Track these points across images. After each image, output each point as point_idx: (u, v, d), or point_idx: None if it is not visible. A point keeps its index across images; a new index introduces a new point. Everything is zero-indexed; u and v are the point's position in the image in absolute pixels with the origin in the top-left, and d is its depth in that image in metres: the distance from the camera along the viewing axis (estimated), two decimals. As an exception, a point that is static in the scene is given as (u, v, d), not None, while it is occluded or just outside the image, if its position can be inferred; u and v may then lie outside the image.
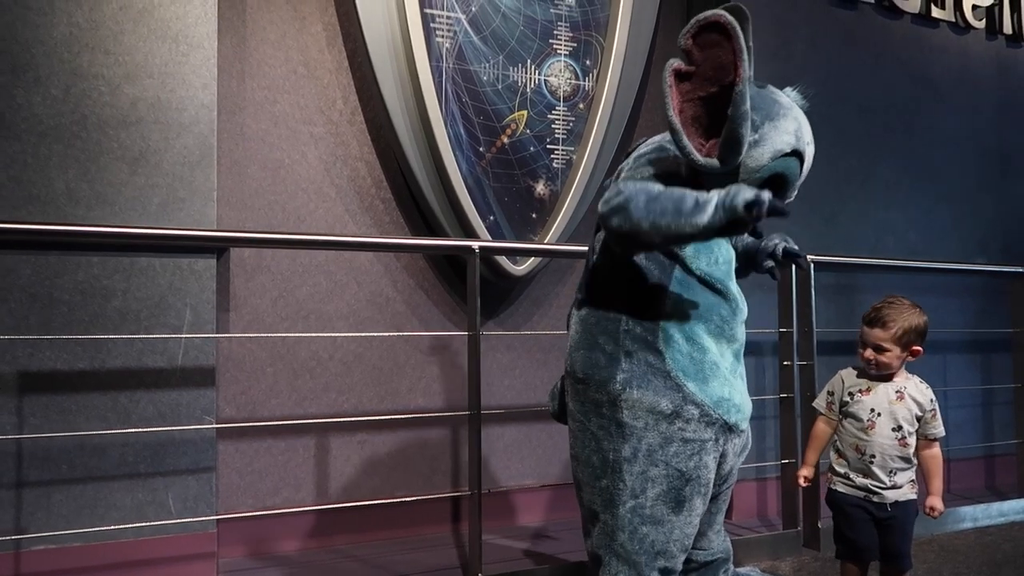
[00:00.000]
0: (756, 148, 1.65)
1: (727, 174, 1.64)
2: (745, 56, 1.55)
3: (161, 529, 2.41)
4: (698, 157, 1.62)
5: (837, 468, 2.29)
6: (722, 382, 1.71)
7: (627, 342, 1.69)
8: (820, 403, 2.37)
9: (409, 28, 2.81)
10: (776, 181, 1.70)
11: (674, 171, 1.71)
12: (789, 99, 1.77)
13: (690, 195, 1.49)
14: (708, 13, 1.57)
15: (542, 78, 3.10)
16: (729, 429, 1.72)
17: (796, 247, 1.98)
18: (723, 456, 1.76)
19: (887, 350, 2.21)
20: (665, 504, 1.67)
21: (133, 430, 2.39)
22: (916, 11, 3.87)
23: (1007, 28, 4.15)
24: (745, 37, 1.60)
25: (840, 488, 2.28)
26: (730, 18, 1.55)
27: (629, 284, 1.70)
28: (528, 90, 3.08)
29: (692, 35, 1.60)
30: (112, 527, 2.35)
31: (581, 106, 3.18)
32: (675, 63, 1.62)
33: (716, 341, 1.71)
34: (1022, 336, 3.78)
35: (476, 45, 2.99)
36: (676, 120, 1.62)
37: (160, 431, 2.43)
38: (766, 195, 1.43)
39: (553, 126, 3.13)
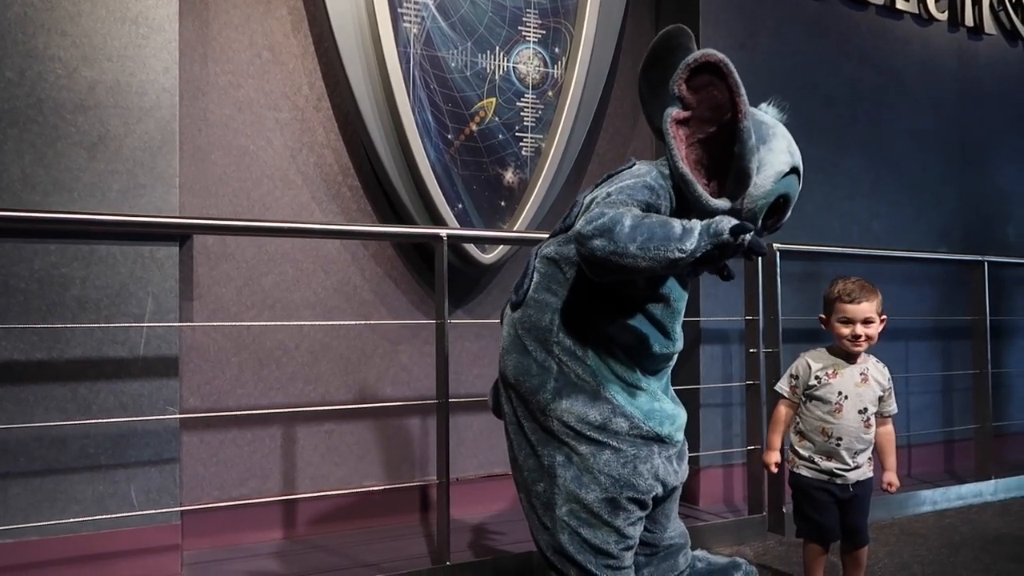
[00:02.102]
0: (758, 176, 1.66)
1: (732, 210, 1.66)
2: (743, 93, 1.54)
3: (123, 522, 2.37)
4: (711, 201, 1.61)
5: (800, 451, 2.32)
6: (651, 396, 1.75)
7: (558, 352, 1.69)
8: (783, 387, 2.39)
9: (376, 13, 2.77)
10: (779, 204, 1.73)
11: (657, 207, 1.66)
12: (771, 117, 1.79)
13: (675, 221, 1.48)
14: (697, 55, 1.55)
15: (511, 65, 3.09)
16: (661, 441, 1.74)
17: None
18: (667, 468, 1.77)
19: (873, 321, 2.26)
20: (602, 507, 1.68)
21: (93, 421, 2.34)
22: (880, 2, 3.92)
23: (968, 20, 4.22)
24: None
25: (804, 472, 2.31)
26: (720, 56, 1.54)
27: (569, 296, 1.69)
28: (497, 77, 3.06)
29: (684, 80, 1.57)
30: (72, 520, 2.30)
31: (550, 94, 3.17)
32: (673, 112, 1.59)
33: (651, 361, 1.75)
34: (981, 324, 3.87)
35: (444, 31, 2.96)
36: (687, 171, 1.60)
37: (122, 422, 2.38)
38: (750, 226, 1.47)
39: (522, 114, 3.11)
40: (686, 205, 1.68)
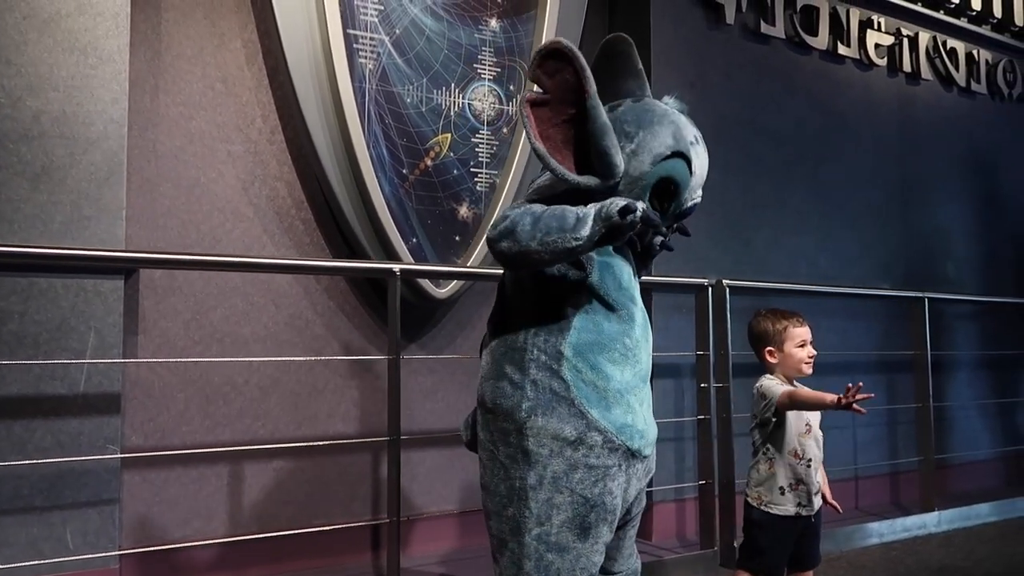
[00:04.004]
0: (636, 158, 1.70)
1: (612, 190, 1.67)
2: (588, 74, 1.60)
3: (58, 566, 2.27)
4: (571, 176, 1.65)
5: (768, 489, 2.31)
6: (625, 409, 1.72)
7: (532, 370, 1.71)
8: (779, 388, 2.31)
9: (331, 48, 2.78)
10: (666, 187, 1.72)
11: (562, 196, 1.72)
12: (666, 106, 1.81)
13: (571, 211, 1.55)
14: (548, 42, 1.62)
15: (466, 102, 3.11)
16: (632, 455, 1.73)
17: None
18: (629, 483, 1.76)
19: None
20: (570, 531, 1.67)
21: (28, 462, 2.25)
22: (824, 47, 4.07)
23: (907, 66, 4.41)
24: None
25: (775, 511, 2.30)
26: (566, 43, 1.61)
27: (536, 314, 1.73)
28: (452, 113, 3.08)
29: (538, 65, 1.64)
30: (3, 566, 2.20)
31: (505, 130, 3.20)
32: (529, 93, 1.66)
33: (620, 368, 1.73)
34: (922, 358, 3.97)
35: (400, 67, 2.97)
36: (540, 145, 1.64)
37: (60, 462, 2.30)
38: (640, 204, 1.50)
39: (477, 149, 3.14)
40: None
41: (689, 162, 1.75)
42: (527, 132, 1.64)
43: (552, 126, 1.66)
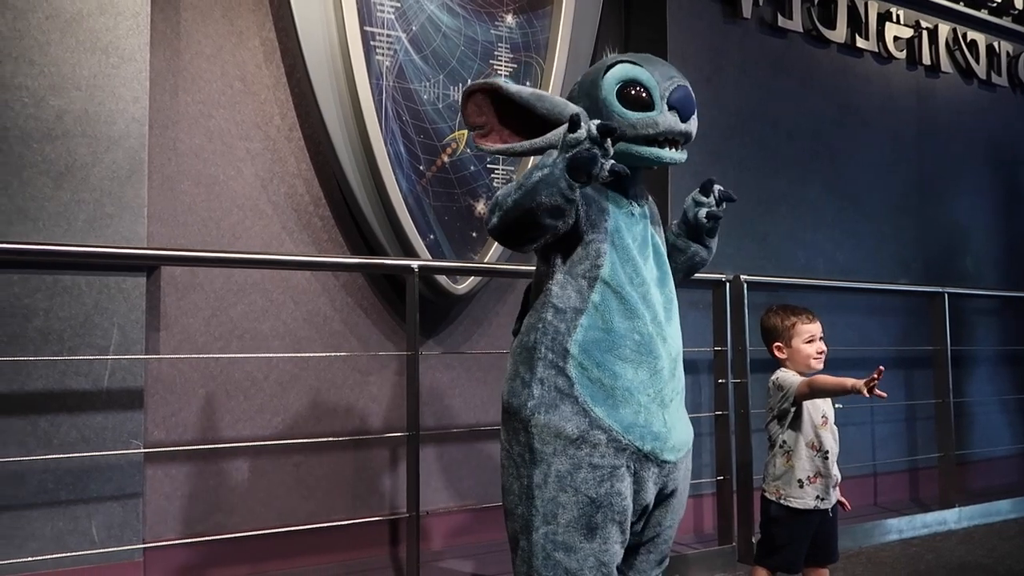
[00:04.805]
0: (584, 100, 1.75)
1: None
2: (491, 79, 1.71)
3: (83, 559, 2.31)
4: (545, 136, 1.69)
5: (788, 482, 2.31)
6: (636, 409, 1.69)
7: (540, 369, 1.71)
8: (795, 379, 2.33)
9: (348, 45, 2.79)
10: (633, 94, 1.72)
11: None
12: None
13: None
14: (464, 91, 1.72)
15: (482, 98, 3.11)
16: (646, 457, 1.70)
17: (711, 186, 1.93)
18: (642, 486, 1.72)
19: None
20: (577, 531, 1.66)
21: (54, 456, 2.28)
22: (842, 41, 4.04)
23: (926, 59, 4.36)
24: (474, 85, 1.74)
25: (795, 504, 2.30)
26: (472, 84, 1.73)
27: (548, 313, 1.73)
28: (468, 110, 3.08)
29: (464, 111, 1.73)
30: (30, 559, 2.23)
31: (521, 126, 3.20)
32: (474, 138, 1.76)
33: (633, 366, 1.70)
34: (942, 354, 3.94)
35: (417, 64, 2.98)
36: (505, 145, 1.72)
37: (84, 457, 2.33)
38: (594, 123, 1.55)
39: (493, 146, 3.14)
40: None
41: (630, 62, 1.76)
42: (498, 151, 1.73)
43: (513, 141, 1.74)
